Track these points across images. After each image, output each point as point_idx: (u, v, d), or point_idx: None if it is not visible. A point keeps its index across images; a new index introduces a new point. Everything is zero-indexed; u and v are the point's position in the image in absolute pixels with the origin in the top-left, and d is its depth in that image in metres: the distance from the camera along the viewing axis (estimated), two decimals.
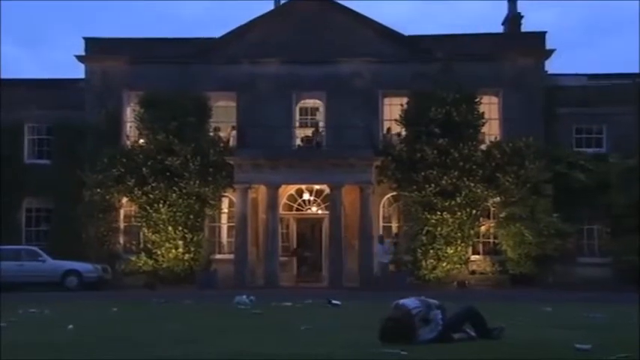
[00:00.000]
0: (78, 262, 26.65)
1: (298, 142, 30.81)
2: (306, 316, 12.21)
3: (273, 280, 27.14)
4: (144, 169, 28.78)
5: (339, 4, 30.94)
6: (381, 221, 30.00)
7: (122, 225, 30.31)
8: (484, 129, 29.50)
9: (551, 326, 10.43)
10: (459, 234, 28.24)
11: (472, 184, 28.14)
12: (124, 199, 29.86)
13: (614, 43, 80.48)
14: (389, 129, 30.34)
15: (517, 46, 30.26)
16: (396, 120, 29.65)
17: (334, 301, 15.55)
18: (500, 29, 33.30)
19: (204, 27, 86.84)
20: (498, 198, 28.76)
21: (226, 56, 30.31)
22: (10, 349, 7.97)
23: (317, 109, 31.79)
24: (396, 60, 29.98)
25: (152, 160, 28.83)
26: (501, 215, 28.68)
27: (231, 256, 28.68)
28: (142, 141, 29.86)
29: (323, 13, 30.70)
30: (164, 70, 29.95)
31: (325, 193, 29.36)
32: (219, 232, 30.93)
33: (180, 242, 28.67)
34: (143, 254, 29.02)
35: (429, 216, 28.16)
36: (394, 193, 29.69)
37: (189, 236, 28.79)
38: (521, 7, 32.67)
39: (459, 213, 28.09)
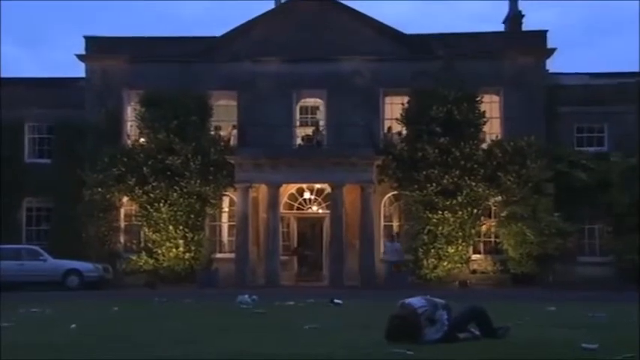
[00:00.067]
0: (79, 261, 26.63)
1: (299, 141, 30.81)
2: (309, 315, 12.17)
3: (273, 279, 27.11)
4: (144, 168, 28.76)
5: (339, 3, 30.91)
6: (382, 220, 29.97)
7: (123, 224, 30.30)
8: (485, 128, 29.48)
9: (554, 325, 10.40)
10: (460, 233, 28.20)
11: (473, 183, 28.11)
12: (125, 199, 29.83)
13: (614, 43, 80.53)
14: (390, 128, 30.30)
15: (518, 44, 30.20)
16: (396, 119, 29.62)
17: (336, 300, 15.51)
18: (501, 28, 33.23)
19: (204, 27, 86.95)
20: (499, 197, 28.73)
21: (227, 55, 30.27)
22: (10, 349, 7.93)
23: (317, 107, 31.78)
24: (397, 58, 29.94)
25: (153, 159, 28.80)
26: (502, 214, 28.64)
27: (232, 255, 28.64)
28: (142, 140, 29.85)
29: (323, 12, 30.66)
30: (164, 69, 29.94)
31: (326, 192, 29.32)
32: (220, 231, 30.92)
33: (181, 241, 28.65)
34: (144, 253, 29.00)
35: (430, 215, 28.12)
36: (395, 192, 29.66)
37: (189, 235, 28.77)
38: (521, 6, 32.55)
39: (460, 212, 28.06)
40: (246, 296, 16.38)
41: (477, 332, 8.35)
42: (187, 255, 28.71)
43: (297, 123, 31.23)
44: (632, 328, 9.43)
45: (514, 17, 32.30)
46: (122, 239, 30.19)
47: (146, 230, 29.21)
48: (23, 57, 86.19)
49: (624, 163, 28.35)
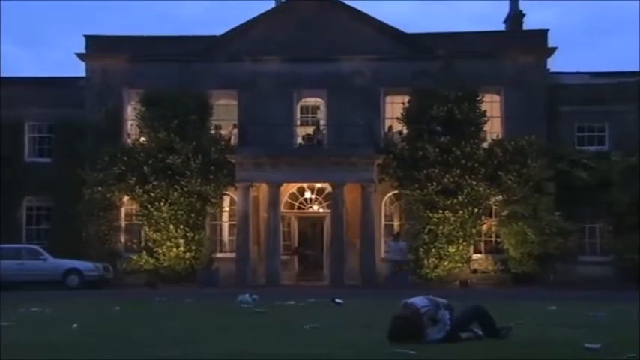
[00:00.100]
0: (79, 260, 26.60)
1: (299, 140, 30.80)
2: (310, 315, 12.15)
3: (274, 279, 27.09)
4: (145, 167, 28.74)
5: (340, 2, 30.87)
6: (383, 220, 29.95)
7: (123, 223, 30.28)
8: (486, 127, 29.45)
9: (555, 325, 10.40)
10: (461, 232, 28.18)
11: (474, 183, 28.09)
12: (125, 198, 29.82)
13: (614, 42, 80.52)
14: (390, 127, 30.27)
15: (518, 44, 30.18)
16: (397, 118, 29.59)
17: (337, 300, 15.49)
18: (501, 28, 33.22)
19: (204, 27, 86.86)
20: (500, 196, 28.70)
21: (227, 54, 30.26)
22: (10, 349, 7.91)
23: (318, 107, 31.76)
24: (397, 58, 29.91)
25: (153, 158, 28.78)
26: (503, 214, 28.62)
27: (233, 255, 28.62)
28: (142, 139, 29.85)
29: (324, 11, 30.63)
30: (165, 68, 29.92)
31: (327, 191, 29.30)
32: (221, 230, 30.91)
33: (182, 241, 28.63)
34: (144, 253, 28.98)
35: (430, 214, 28.10)
36: (396, 192, 29.64)
37: (190, 235, 28.76)
38: (521, 6, 32.55)
39: (460, 211, 28.03)
40: (247, 296, 16.37)
41: (480, 332, 8.33)
42: (188, 254, 28.69)
43: (298, 122, 31.21)
44: (632, 328, 9.43)
45: (515, 17, 32.30)
46: (122, 238, 30.17)
47: (146, 229, 29.19)
48: (23, 56, 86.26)
49: (624, 163, 28.35)
